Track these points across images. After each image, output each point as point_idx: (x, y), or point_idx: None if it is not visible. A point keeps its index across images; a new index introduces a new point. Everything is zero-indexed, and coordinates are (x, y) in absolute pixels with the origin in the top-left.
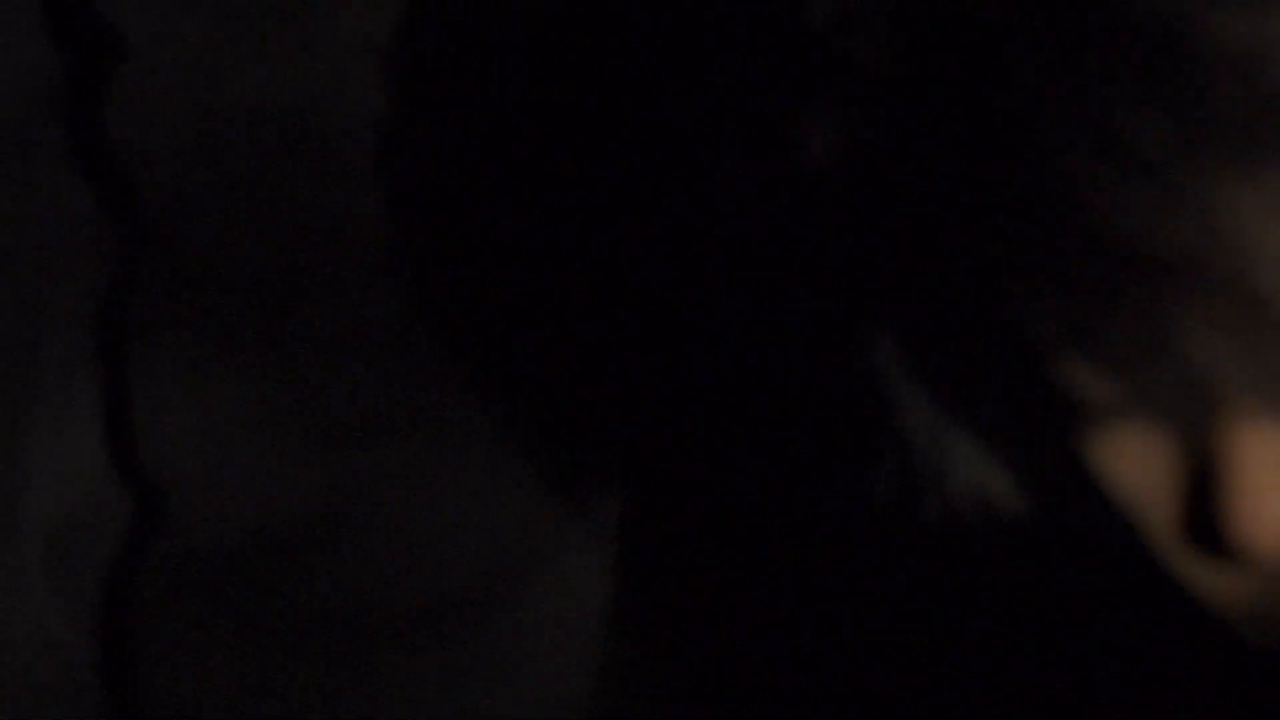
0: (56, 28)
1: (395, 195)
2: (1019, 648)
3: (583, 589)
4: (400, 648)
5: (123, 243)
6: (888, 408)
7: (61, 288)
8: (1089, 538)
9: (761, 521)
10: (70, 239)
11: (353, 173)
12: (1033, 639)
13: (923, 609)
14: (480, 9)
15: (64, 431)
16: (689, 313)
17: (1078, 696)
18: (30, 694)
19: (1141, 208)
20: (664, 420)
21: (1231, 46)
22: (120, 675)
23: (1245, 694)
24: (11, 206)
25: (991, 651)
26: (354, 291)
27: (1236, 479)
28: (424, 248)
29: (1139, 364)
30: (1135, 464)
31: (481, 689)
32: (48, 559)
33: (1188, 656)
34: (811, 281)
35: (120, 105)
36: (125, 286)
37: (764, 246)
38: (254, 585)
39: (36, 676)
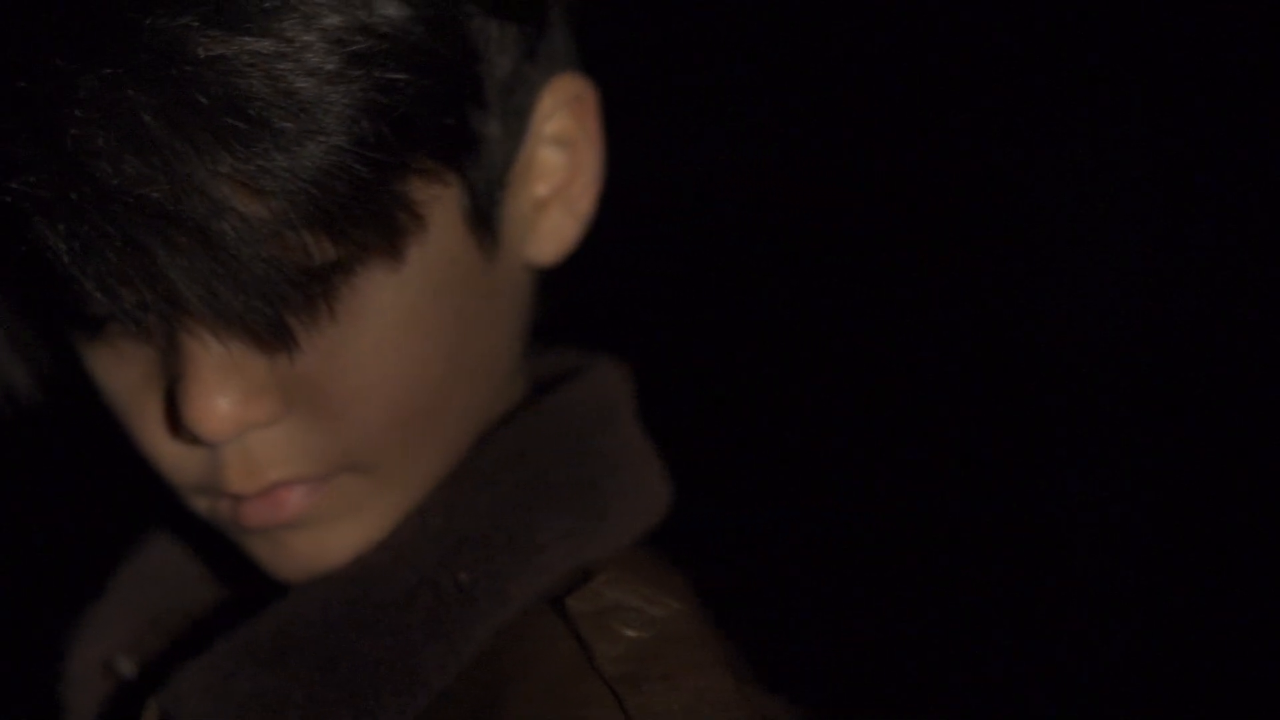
0: None
1: None
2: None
3: None
4: None
5: None
6: None
7: None
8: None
9: None
10: None
11: None
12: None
13: None
14: None
15: None
16: None
17: None
18: None
19: (143, 166)
20: None
21: (213, 56)
22: None
23: None
24: None
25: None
26: None
27: (192, 379)
28: None
29: (124, 284)
30: (124, 367)
31: None
32: None
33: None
34: None
35: None
36: None
37: None
38: None
39: None
